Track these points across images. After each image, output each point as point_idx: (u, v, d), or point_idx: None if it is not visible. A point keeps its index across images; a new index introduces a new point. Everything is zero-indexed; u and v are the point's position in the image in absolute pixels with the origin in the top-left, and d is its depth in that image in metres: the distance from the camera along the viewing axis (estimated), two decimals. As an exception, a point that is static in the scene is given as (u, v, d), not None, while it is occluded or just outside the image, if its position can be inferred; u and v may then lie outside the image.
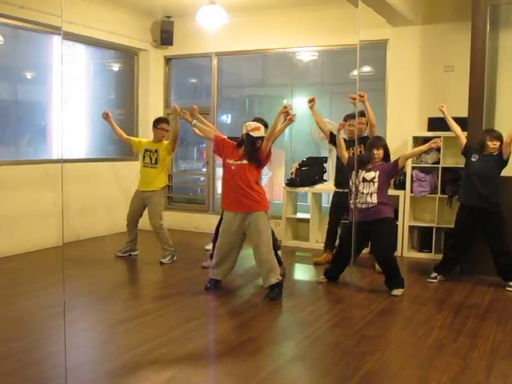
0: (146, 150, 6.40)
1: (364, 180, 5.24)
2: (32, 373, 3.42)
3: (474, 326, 4.37)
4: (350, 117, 6.02)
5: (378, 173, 5.21)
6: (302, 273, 6.33)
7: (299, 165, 7.40)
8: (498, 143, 5.39)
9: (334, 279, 5.59)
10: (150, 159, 6.36)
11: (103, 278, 5.84)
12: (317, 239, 7.22)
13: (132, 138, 6.71)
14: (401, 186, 6.84)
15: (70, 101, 7.89)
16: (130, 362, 3.57)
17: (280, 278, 5.06)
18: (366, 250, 6.43)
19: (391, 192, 6.82)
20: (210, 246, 6.88)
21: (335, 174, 6.41)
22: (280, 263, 5.77)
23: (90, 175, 7.70)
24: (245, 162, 4.95)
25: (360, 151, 5.93)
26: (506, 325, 4.41)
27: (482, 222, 5.46)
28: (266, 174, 8.15)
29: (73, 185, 7.24)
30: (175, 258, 6.43)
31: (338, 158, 5.83)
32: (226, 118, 9.19)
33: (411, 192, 6.77)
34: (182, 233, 7.90)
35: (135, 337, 4.06)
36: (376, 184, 5.20)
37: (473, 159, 5.51)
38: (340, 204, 6.14)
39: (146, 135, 8.70)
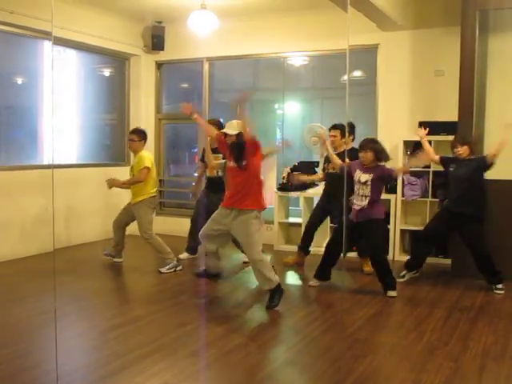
0: (131, 169, 6.38)
1: (359, 182, 5.31)
2: (24, 379, 3.40)
3: (465, 328, 4.39)
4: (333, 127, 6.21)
5: (372, 176, 5.24)
6: (294, 277, 6.33)
7: (291, 169, 7.41)
8: (463, 148, 5.44)
9: (326, 279, 5.61)
10: (131, 176, 6.33)
11: (94, 284, 5.81)
12: (309, 243, 7.22)
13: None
14: (392, 189, 6.86)
15: (61, 106, 7.86)
16: (123, 368, 3.56)
17: (276, 282, 4.92)
18: (355, 254, 6.48)
19: (383, 196, 6.87)
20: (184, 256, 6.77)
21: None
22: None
23: (81, 180, 7.68)
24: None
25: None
26: (497, 327, 4.44)
27: (458, 227, 5.55)
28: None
29: (64, 190, 7.20)
30: (180, 268, 6.17)
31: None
32: (218, 123, 9.19)
33: (402, 196, 6.79)
34: (174, 238, 7.86)
35: (127, 343, 4.04)
36: (369, 187, 5.25)
37: (451, 169, 5.61)
38: (322, 208, 6.33)
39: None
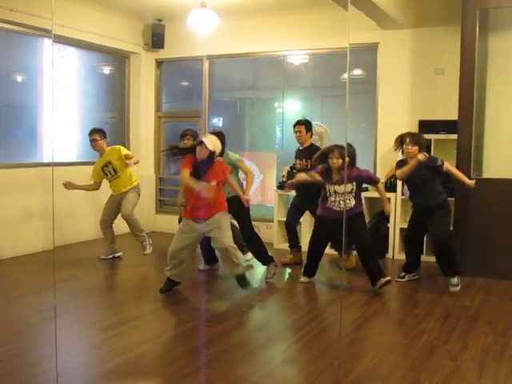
0: (102, 168, 6.49)
1: (336, 192, 5.35)
2: (23, 377, 3.41)
3: (464, 327, 4.39)
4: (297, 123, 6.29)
5: (354, 184, 5.32)
6: (294, 275, 6.33)
7: (290, 168, 7.40)
8: (414, 148, 5.39)
9: (312, 275, 5.67)
10: (110, 173, 6.46)
11: (93, 282, 5.82)
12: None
13: (92, 175, 6.63)
14: (392, 188, 6.86)
15: (61, 104, 7.85)
16: (122, 366, 3.56)
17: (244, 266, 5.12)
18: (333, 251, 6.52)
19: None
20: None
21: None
22: (271, 260, 5.78)
23: (80, 178, 7.64)
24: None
25: (306, 165, 6.18)
26: (496, 326, 4.43)
27: (429, 216, 5.53)
28: (257, 177, 8.18)
29: (64, 188, 7.19)
30: (151, 242, 6.67)
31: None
32: (218, 121, 9.19)
33: (402, 194, 6.78)
34: (173, 236, 7.90)
35: (126, 341, 4.04)
36: (353, 193, 5.32)
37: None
38: (297, 206, 6.47)
39: (136, 139, 8.74)
